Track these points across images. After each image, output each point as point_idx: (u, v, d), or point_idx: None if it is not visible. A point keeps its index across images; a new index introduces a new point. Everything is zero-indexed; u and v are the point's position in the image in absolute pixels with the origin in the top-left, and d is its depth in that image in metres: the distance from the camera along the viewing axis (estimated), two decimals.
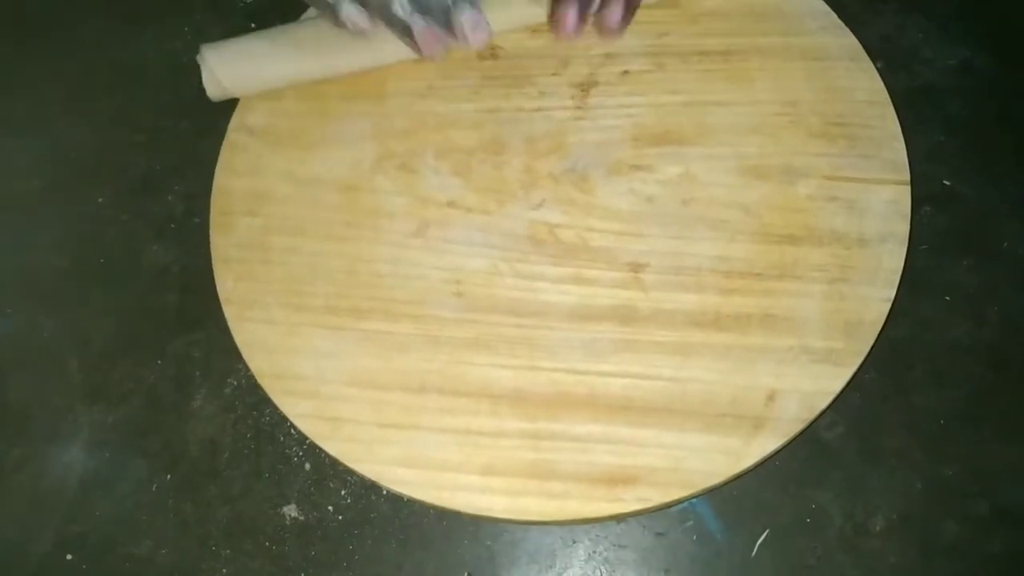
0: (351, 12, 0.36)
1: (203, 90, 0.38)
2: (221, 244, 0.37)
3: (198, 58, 0.38)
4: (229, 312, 0.36)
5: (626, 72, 0.40)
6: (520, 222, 0.37)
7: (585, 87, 0.39)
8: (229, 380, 0.39)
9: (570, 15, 0.37)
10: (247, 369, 0.35)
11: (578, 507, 0.32)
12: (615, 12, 0.38)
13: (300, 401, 0.34)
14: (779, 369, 0.33)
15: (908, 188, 0.36)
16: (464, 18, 0.35)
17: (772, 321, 0.34)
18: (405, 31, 0.35)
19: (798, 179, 0.37)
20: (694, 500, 0.35)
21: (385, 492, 0.37)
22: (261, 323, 0.36)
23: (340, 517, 0.37)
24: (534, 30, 0.40)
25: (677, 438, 0.33)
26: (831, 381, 0.33)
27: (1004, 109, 0.43)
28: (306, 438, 0.34)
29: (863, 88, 0.38)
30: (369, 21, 0.36)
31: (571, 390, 0.34)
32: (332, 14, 0.36)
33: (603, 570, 0.35)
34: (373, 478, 0.33)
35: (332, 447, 0.33)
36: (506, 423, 0.33)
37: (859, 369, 0.33)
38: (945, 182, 0.41)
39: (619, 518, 0.35)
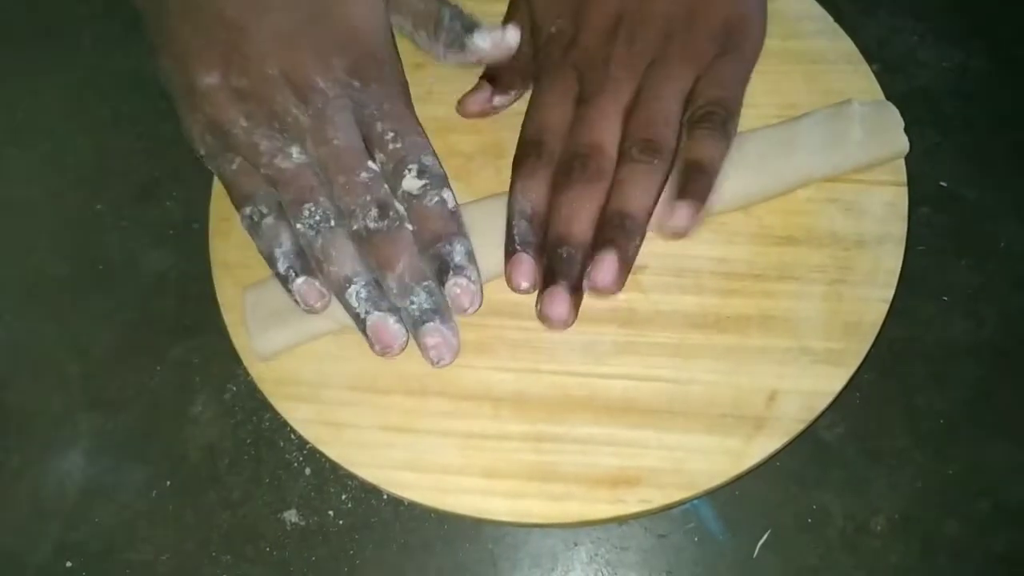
0: (301, 287, 0.33)
1: None
2: (221, 249, 0.37)
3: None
4: (229, 317, 0.36)
5: None
6: None
7: None
8: (229, 386, 0.39)
9: (557, 301, 0.32)
10: (247, 375, 0.35)
11: (580, 509, 0.32)
12: (605, 271, 0.32)
13: (300, 406, 0.34)
14: (779, 370, 0.34)
15: (905, 189, 0.36)
16: (429, 340, 0.32)
17: (772, 322, 0.34)
18: (357, 321, 0.33)
19: None
20: (696, 501, 0.35)
21: (386, 496, 0.37)
22: None
23: (341, 522, 0.37)
24: None
25: (678, 439, 0.33)
26: (831, 381, 0.33)
27: (999, 110, 0.43)
28: (306, 443, 0.34)
29: (860, 91, 0.38)
30: (320, 300, 0.33)
31: (572, 392, 0.34)
32: (283, 286, 0.33)
33: (605, 572, 0.35)
34: (374, 482, 0.33)
35: (333, 452, 0.33)
36: (508, 426, 0.33)
37: (859, 369, 0.34)
38: (942, 183, 0.41)
39: (621, 520, 0.35)
